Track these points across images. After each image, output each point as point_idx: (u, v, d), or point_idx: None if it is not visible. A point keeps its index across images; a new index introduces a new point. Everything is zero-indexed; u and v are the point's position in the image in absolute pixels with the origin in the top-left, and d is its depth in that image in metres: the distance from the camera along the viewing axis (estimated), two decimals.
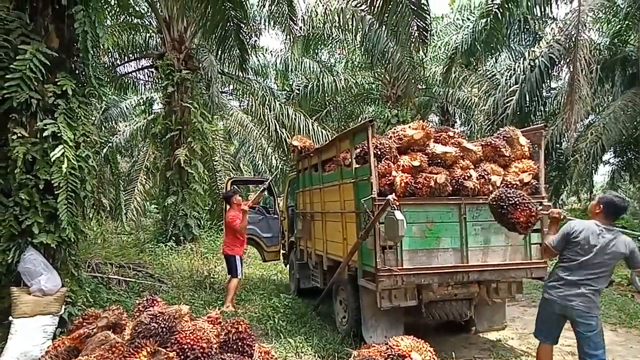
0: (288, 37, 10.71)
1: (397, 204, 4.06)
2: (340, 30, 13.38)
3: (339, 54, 18.85)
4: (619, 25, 11.63)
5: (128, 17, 12.53)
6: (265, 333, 5.64)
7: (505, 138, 5.01)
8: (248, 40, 9.73)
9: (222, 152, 15.73)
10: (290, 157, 12.34)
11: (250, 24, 12.11)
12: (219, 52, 8.96)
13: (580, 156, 10.64)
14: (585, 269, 3.44)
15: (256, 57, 16.62)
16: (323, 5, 12.64)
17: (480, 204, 4.64)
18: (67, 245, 4.86)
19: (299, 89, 15.68)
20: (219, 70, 13.06)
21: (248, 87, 13.90)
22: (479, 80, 14.69)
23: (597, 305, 3.44)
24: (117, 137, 16.47)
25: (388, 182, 4.49)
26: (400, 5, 7.27)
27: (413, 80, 12.83)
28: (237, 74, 12.75)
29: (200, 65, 12.20)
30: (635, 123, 11.21)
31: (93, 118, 7.34)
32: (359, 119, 17.05)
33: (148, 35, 13.64)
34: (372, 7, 7.48)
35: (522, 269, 4.75)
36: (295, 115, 12.75)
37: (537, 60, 10.86)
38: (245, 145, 21.00)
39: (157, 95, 16.05)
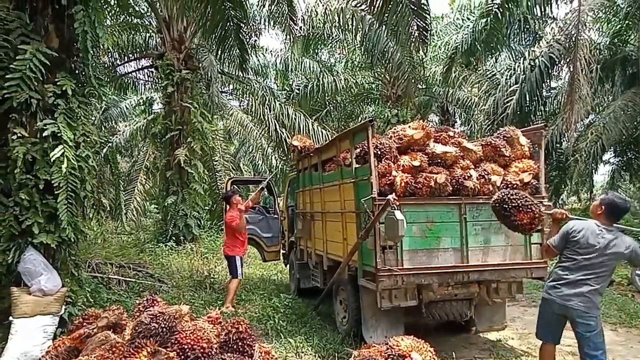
0: (288, 36, 10.71)
1: (397, 203, 4.06)
2: (340, 30, 13.37)
3: (339, 54, 18.85)
4: (619, 25, 11.63)
5: (128, 17, 12.53)
6: (266, 333, 5.64)
7: (505, 138, 5.01)
8: (248, 40, 9.72)
9: (222, 152, 15.73)
10: (290, 157, 12.34)
11: (250, 24, 12.10)
12: (219, 52, 8.96)
13: (580, 156, 10.64)
14: (584, 269, 3.43)
15: (256, 57, 16.63)
16: (323, 5, 12.63)
17: (481, 203, 4.64)
18: (67, 245, 4.86)
19: (299, 89, 15.68)
20: (219, 70, 13.06)
21: (248, 87, 13.90)
22: (479, 80, 14.69)
23: (596, 306, 3.44)
24: (117, 137, 16.47)
25: (388, 182, 4.49)
26: (400, 5, 7.27)
27: (413, 80, 12.82)
28: (237, 73, 12.75)
29: (200, 65, 12.20)
30: (635, 123, 11.20)
31: (93, 118, 7.34)
32: (359, 118, 17.05)
33: (148, 35, 13.64)
34: (372, 7, 7.48)
35: (522, 269, 4.75)
36: (295, 115, 12.75)
37: (537, 60, 10.85)
38: (245, 145, 21.00)
39: (157, 95, 16.06)
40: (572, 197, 20.33)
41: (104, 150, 6.94)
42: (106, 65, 12.81)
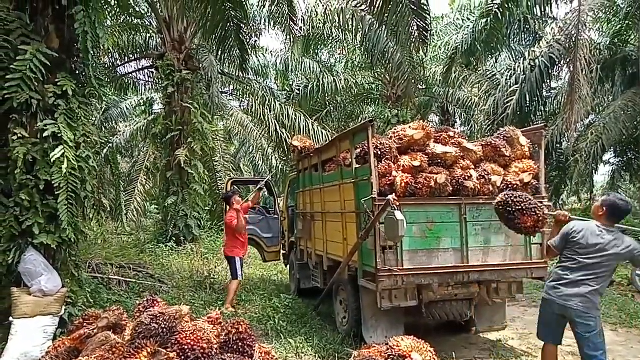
0: (288, 37, 10.71)
1: (398, 204, 4.06)
2: (340, 30, 13.38)
3: (339, 54, 18.86)
4: (619, 25, 11.63)
5: (128, 18, 12.54)
6: (266, 333, 5.64)
7: (505, 138, 5.01)
8: (248, 40, 9.74)
9: (223, 152, 15.74)
10: (290, 157, 12.36)
11: (251, 24, 12.11)
12: (219, 53, 8.96)
13: (580, 156, 10.64)
14: (584, 269, 3.44)
15: (256, 57, 16.63)
16: (323, 6, 12.64)
17: (481, 204, 4.65)
18: (68, 245, 4.86)
19: (299, 89, 15.69)
20: (219, 70, 13.07)
21: (248, 88, 13.90)
22: (479, 80, 14.69)
23: (596, 306, 3.43)
24: (117, 137, 16.48)
25: (388, 182, 4.49)
26: (401, 5, 7.27)
27: (413, 80, 12.83)
28: (237, 74, 12.75)
29: (201, 65, 12.20)
30: (635, 123, 11.20)
31: (93, 118, 7.34)
32: (359, 119, 17.05)
33: (148, 35, 13.65)
34: (372, 7, 7.49)
35: (522, 269, 4.75)
36: (296, 115, 12.75)
37: (537, 60, 10.85)
38: (245, 145, 21.01)
39: (157, 96, 16.06)
40: (572, 197, 20.35)
41: (105, 150, 6.95)
42: (107, 66, 12.83)
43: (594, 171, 12.34)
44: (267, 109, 12.90)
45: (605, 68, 11.22)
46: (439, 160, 4.76)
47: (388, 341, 3.06)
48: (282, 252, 8.85)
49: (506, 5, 9.92)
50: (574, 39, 9.64)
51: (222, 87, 14.92)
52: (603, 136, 10.43)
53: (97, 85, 5.05)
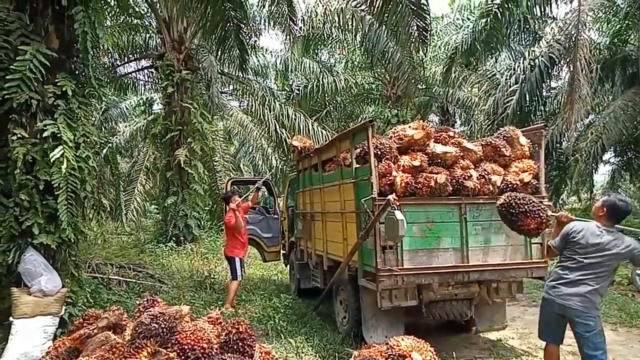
0: (288, 37, 10.72)
1: (398, 204, 4.06)
2: (340, 30, 13.37)
3: (339, 54, 18.86)
4: (619, 25, 11.64)
5: (128, 18, 12.53)
6: (266, 333, 5.64)
7: (505, 138, 5.01)
8: (248, 40, 9.73)
9: (222, 152, 15.73)
10: (290, 157, 12.35)
11: (250, 24, 12.11)
12: (219, 53, 8.96)
13: (580, 156, 10.65)
14: (583, 269, 3.44)
15: (256, 57, 16.62)
16: (323, 6, 12.64)
17: (481, 203, 4.65)
18: (67, 245, 4.86)
19: (298, 89, 15.68)
20: (219, 70, 13.06)
21: (248, 88, 13.90)
22: (479, 80, 14.69)
23: (595, 306, 3.43)
24: (117, 137, 16.47)
25: (388, 182, 4.49)
26: (400, 5, 7.27)
27: (413, 80, 12.82)
28: (237, 74, 12.74)
29: (200, 65, 12.20)
30: (635, 122, 11.21)
31: (93, 119, 7.35)
32: (359, 119, 17.05)
33: (148, 35, 13.65)
34: (372, 7, 7.49)
35: (522, 269, 4.75)
36: (295, 115, 12.75)
37: (537, 60, 10.86)
38: (245, 145, 21.01)
39: (157, 96, 16.06)
40: (572, 196, 20.36)
41: (104, 150, 6.93)
42: (106, 66, 12.83)
43: (594, 171, 12.36)
44: (266, 109, 12.90)
45: (605, 68, 11.23)
46: (439, 160, 4.76)
47: (388, 341, 3.06)
48: (282, 252, 8.85)
49: (506, 5, 9.92)
50: (573, 38, 9.64)
51: (222, 87, 14.91)
52: (603, 136, 10.43)
53: (97, 85, 5.06)
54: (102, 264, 7.63)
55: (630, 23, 11.13)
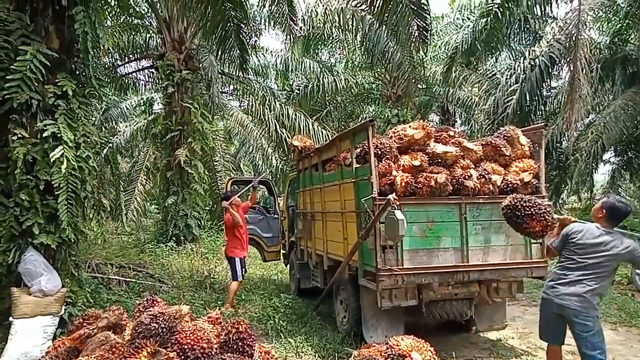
0: (288, 37, 10.70)
1: (398, 203, 4.06)
2: (340, 30, 13.38)
3: (339, 54, 18.85)
4: (619, 24, 11.62)
5: (128, 18, 12.54)
6: (266, 333, 5.64)
7: (505, 137, 5.01)
8: (248, 40, 9.74)
9: (223, 152, 15.74)
10: (290, 157, 12.35)
11: (251, 24, 12.11)
12: (219, 53, 8.97)
13: (580, 155, 10.64)
14: (582, 269, 3.45)
15: (256, 57, 16.63)
16: (323, 5, 12.64)
17: (481, 203, 4.65)
18: (68, 245, 4.86)
19: (299, 89, 15.68)
20: (219, 70, 13.06)
21: (248, 87, 13.90)
22: (479, 80, 14.68)
23: (594, 307, 3.43)
24: (117, 137, 16.48)
25: (388, 182, 4.49)
26: (400, 5, 7.27)
27: (413, 80, 12.83)
28: (237, 74, 12.74)
29: (201, 65, 12.20)
30: (635, 122, 11.20)
31: (93, 119, 7.35)
32: (359, 118, 17.05)
33: (148, 35, 13.64)
34: (372, 7, 7.48)
35: (522, 268, 4.75)
36: (296, 115, 12.75)
37: (537, 60, 10.85)
38: (245, 145, 21.01)
39: (157, 96, 16.06)
40: (572, 196, 20.32)
41: (105, 150, 6.95)
42: (107, 66, 12.83)
43: (594, 170, 12.34)
44: (267, 108, 12.90)
45: (606, 67, 11.22)
46: (439, 160, 4.76)
47: (388, 340, 3.06)
48: (282, 251, 8.85)
49: (506, 5, 9.91)
50: (574, 38, 9.63)
51: (222, 87, 14.92)
52: (603, 135, 10.42)
53: (97, 85, 5.06)
54: (102, 263, 7.63)
55: (630, 22, 11.11)
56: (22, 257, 4.50)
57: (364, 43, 12.35)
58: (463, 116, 18.11)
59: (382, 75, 15.88)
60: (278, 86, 19.34)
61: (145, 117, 17.02)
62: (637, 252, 3.41)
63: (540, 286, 3.92)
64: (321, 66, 16.77)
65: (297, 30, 10.26)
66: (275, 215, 8.87)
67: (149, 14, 13.12)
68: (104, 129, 15.48)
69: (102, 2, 5.93)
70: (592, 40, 10.87)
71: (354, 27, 12.27)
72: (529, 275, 4.81)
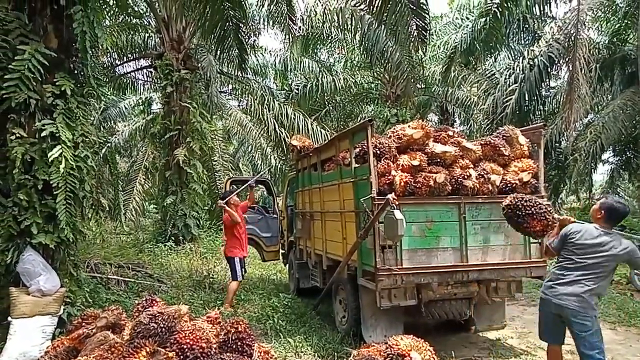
0: (287, 36, 10.69)
1: (397, 203, 4.06)
2: (339, 29, 13.38)
3: (338, 54, 18.84)
4: (618, 24, 11.63)
5: (127, 17, 12.51)
6: (265, 333, 5.64)
7: (504, 137, 5.01)
8: (247, 39, 9.72)
9: (221, 151, 15.72)
10: (289, 156, 12.34)
11: (249, 24, 12.07)
12: (218, 52, 8.95)
13: (579, 155, 10.65)
14: (580, 269, 3.46)
15: (255, 56, 16.60)
16: (322, 5, 12.64)
17: (480, 203, 4.65)
18: (66, 245, 4.85)
19: (298, 89, 15.67)
20: (218, 70, 13.04)
21: (247, 87, 13.89)
22: (478, 80, 14.69)
23: (592, 307, 3.43)
24: (116, 137, 16.46)
25: (387, 182, 4.49)
26: (399, 5, 7.27)
27: (412, 80, 12.83)
28: (236, 73, 12.73)
29: (199, 65, 12.18)
30: (634, 122, 11.21)
31: (92, 118, 7.33)
32: (358, 118, 17.05)
33: (147, 35, 13.62)
34: (371, 7, 7.49)
35: (521, 268, 4.75)
36: (295, 114, 12.74)
37: (536, 60, 10.86)
38: (244, 145, 20.99)
39: (155, 95, 16.03)
40: (571, 196, 20.34)
41: (103, 150, 6.95)
42: (105, 66, 12.81)
43: (592, 170, 12.35)
44: (266, 108, 12.89)
45: (604, 67, 11.23)
46: (438, 160, 4.76)
47: (387, 340, 3.06)
48: (281, 251, 8.84)
49: (505, 5, 9.91)
50: (572, 38, 9.65)
51: (221, 87, 14.88)
52: (602, 135, 10.44)
53: (96, 84, 5.05)
54: (100, 263, 7.62)
55: (629, 22, 11.12)
56: (20, 256, 4.49)
57: (363, 43, 12.35)
58: (462, 116, 18.13)
59: (381, 75, 15.88)
60: (277, 86, 19.32)
61: (143, 117, 16.99)
62: (635, 253, 3.43)
63: (539, 286, 3.93)
64: (320, 66, 16.77)
65: (296, 29, 10.26)
66: (274, 215, 8.87)
67: (147, 14, 13.09)
68: (102, 128, 15.45)
69: (101, 1, 5.92)
70: (591, 40, 10.89)
71: (353, 27, 12.27)
72: (528, 275, 4.81)
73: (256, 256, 10.05)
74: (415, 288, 4.62)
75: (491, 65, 16.12)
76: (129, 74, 14.82)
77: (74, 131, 4.72)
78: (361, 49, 13.33)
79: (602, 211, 3.52)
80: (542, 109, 12.81)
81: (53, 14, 4.79)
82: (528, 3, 10.46)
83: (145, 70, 14.90)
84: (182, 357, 2.80)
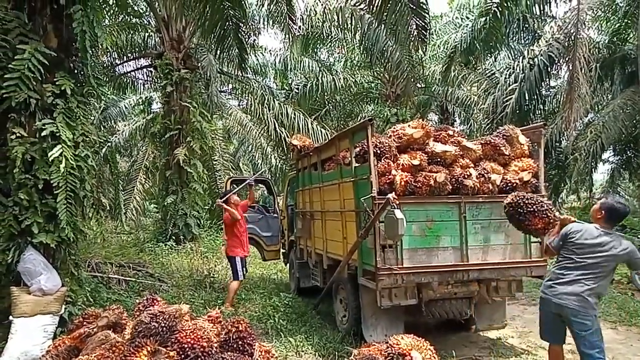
0: (287, 36, 10.68)
1: (397, 202, 4.06)
2: (339, 29, 13.37)
3: (338, 53, 18.82)
4: (618, 24, 11.62)
5: (126, 17, 12.51)
6: (266, 332, 5.64)
7: (504, 137, 5.01)
8: (247, 39, 9.71)
9: (222, 151, 15.72)
10: (289, 156, 12.34)
11: (249, 23, 12.07)
12: (218, 52, 8.94)
13: (579, 155, 10.65)
14: (580, 269, 3.47)
15: (255, 56, 16.58)
16: (322, 4, 12.63)
17: (480, 202, 4.65)
18: (67, 244, 4.86)
19: (298, 88, 15.67)
20: (218, 69, 13.03)
21: (247, 87, 13.88)
22: (478, 79, 14.69)
23: (592, 306, 3.43)
24: (116, 136, 16.45)
25: (388, 181, 4.49)
26: (399, 4, 7.26)
27: (412, 79, 12.83)
28: (236, 73, 12.74)
29: (199, 64, 12.18)
30: (634, 121, 11.21)
31: (92, 118, 7.34)
32: (359, 117, 17.04)
33: (147, 34, 13.62)
34: (371, 6, 7.48)
35: (522, 268, 4.76)
36: (295, 114, 12.74)
37: (536, 59, 10.85)
38: (244, 144, 20.99)
39: (156, 95, 16.03)
40: (571, 195, 20.34)
41: (103, 149, 6.94)
42: (105, 65, 12.81)
43: (593, 170, 12.34)
44: (266, 108, 12.89)
45: (604, 66, 11.22)
46: (439, 159, 4.76)
47: (388, 339, 3.06)
48: (281, 250, 8.85)
49: (505, 4, 9.90)
50: (573, 37, 9.64)
51: (221, 86, 14.87)
52: (602, 135, 10.44)
53: (96, 84, 5.06)
54: (101, 262, 7.63)
55: (629, 22, 11.12)
56: (21, 256, 4.50)
57: (363, 42, 12.34)
58: (462, 115, 18.11)
59: (381, 75, 15.88)
60: (277, 85, 19.32)
61: (144, 116, 16.98)
62: (635, 254, 3.44)
63: (540, 285, 3.93)
64: (320, 65, 16.74)
65: (295, 29, 10.25)
66: (275, 215, 8.87)
67: (147, 13, 13.09)
68: (102, 128, 15.43)
69: (101, 1, 5.92)
70: (591, 39, 10.88)
71: (352, 26, 12.26)
72: (528, 274, 4.81)
73: (257, 255, 10.06)
74: (415, 287, 4.62)
75: (491, 64, 16.11)
76: (129, 74, 14.83)
77: (74, 131, 4.72)
78: (361, 49, 13.32)
79: (603, 211, 3.53)
80: (542, 108, 12.80)
81: (53, 14, 4.80)
82: (528, 2, 10.46)
83: (145, 70, 14.90)
84: (183, 356, 2.80)
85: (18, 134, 4.43)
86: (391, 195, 4.07)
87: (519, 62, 11.40)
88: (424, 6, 7.40)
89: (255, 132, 15.72)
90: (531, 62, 10.92)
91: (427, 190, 4.44)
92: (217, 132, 15.65)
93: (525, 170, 4.87)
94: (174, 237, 11.52)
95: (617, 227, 3.63)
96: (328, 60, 18.98)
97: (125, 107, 17.17)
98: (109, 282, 7.05)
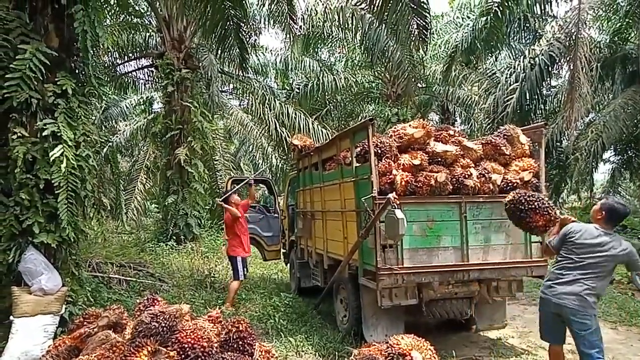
0: (288, 36, 10.68)
1: (398, 202, 4.06)
2: (340, 29, 13.34)
3: (339, 53, 18.82)
4: (619, 23, 11.61)
5: (128, 17, 12.51)
6: (266, 332, 5.65)
7: (505, 136, 5.01)
8: (248, 39, 9.71)
9: (223, 151, 15.72)
10: (290, 156, 12.35)
11: (250, 23, 12.09)
12: (219, 51, 8.95)
13: (580, 154, 10.64)
14: (580, 269, 3.47)
15: (256, 56, 16.60)
16: (323, 4, 12.62)
17: (481, 202, 4.65)
18: (68, 244, 4.86)
19: (299, 88, 15.68)
20: (219, 69, 13.05)
21: (248, 86, 13.89)
22: (479, 79, 14.68)
23: (591, 306, 3.44)
24: (117, 136, 16.46)
25: (388, 181, 4.49)
26: (400, 4, 7.26)
27: (413, 79, 12.81)
28: (237, 73, 12.73)
29: (200, 64, 12.19)
30: (635, 121, 11.21)
31: (93, 117, 7.34)
32: (359, 117, 17.05)
33: (148, 34, 13.63)
34: (372, 6, 7.48)
35: (522, 268, 4.75)
36: (296, 114, 12.74)
37: (537, 59, 10.85)
38: (245, 144, 20.99)
39: (157, 95, 16.05)
40: (572, 195, 20.32)
41: (104, 149, 6.94)
42: (106, 65, 12.82)
43: (594, 169, 12.35)
44: (267, 107, 12.89)
45: (605, 66, 11.21)
46: (439, 159, 4.76)
47: (388, 339, 3.07)
48: (282, 250, 8.85)
49: (506, 4, 9.90)
50: (573, 37, 9.63)
51: (222, 86, 14.90)
52: (603, 134, 10.43)
53: (97, 84, 5.06)
54: (102, 262, 7.63)
55: (630, 21, 11.11)
56: (22, 256, 4.50)
57: (364, 42, 12.33)
58: (463, 115, 18.10)
59: (382, 74, 15.88)
60: (278, 85, 19.32)
61: (145, 116, 17.01)
62: (634, 255, 3.44)
63: (540, 285, 3.93)
64: (321, 65, 16.75)
65: (296, 29, 10.25)
66: (276, 214, 8.87)
67: (148, 13, 13.11)
68: (103, 128, 15.46)
69: (102, 0, 5.92)
70: (592, 39, 10.87)
71: (353, 26, 12.24)
72: (528, 274, 4.81)
73: (257, 255, 10.06)
74: (416, 287, 4.62)
75: (492, 64, 16.09)
76: (130, 74, 14.84)
77: (75, 130, 4.73)
78: (362, 48, 13.29)
79: (603, 212, 3.53)
80: (543, 108, 12.79)
81: (54, 13, 4.80)
82: (529, 2, 10.45)
83: (146, 70, 14.91)
84: (183, 356, 2.81)
85: (19, 134, 4.43)
86: (392, 195, 4.07)
87: (519, 61, 11.40)
88: (425, 6, 7.40)
89: (256, 132, 15.73)
90: (532, 62, 10.92)
91: (427, 190, 4.44)
92: (218, 132, 15.65)
93: (526, 170, 4.87)
94: (174, 237, 11.53)
95: (618, 228, 3.63)
96: (329, 60, 18.97)
97: (127, 107, 17.19)
98: (109, 282, 7.06)
